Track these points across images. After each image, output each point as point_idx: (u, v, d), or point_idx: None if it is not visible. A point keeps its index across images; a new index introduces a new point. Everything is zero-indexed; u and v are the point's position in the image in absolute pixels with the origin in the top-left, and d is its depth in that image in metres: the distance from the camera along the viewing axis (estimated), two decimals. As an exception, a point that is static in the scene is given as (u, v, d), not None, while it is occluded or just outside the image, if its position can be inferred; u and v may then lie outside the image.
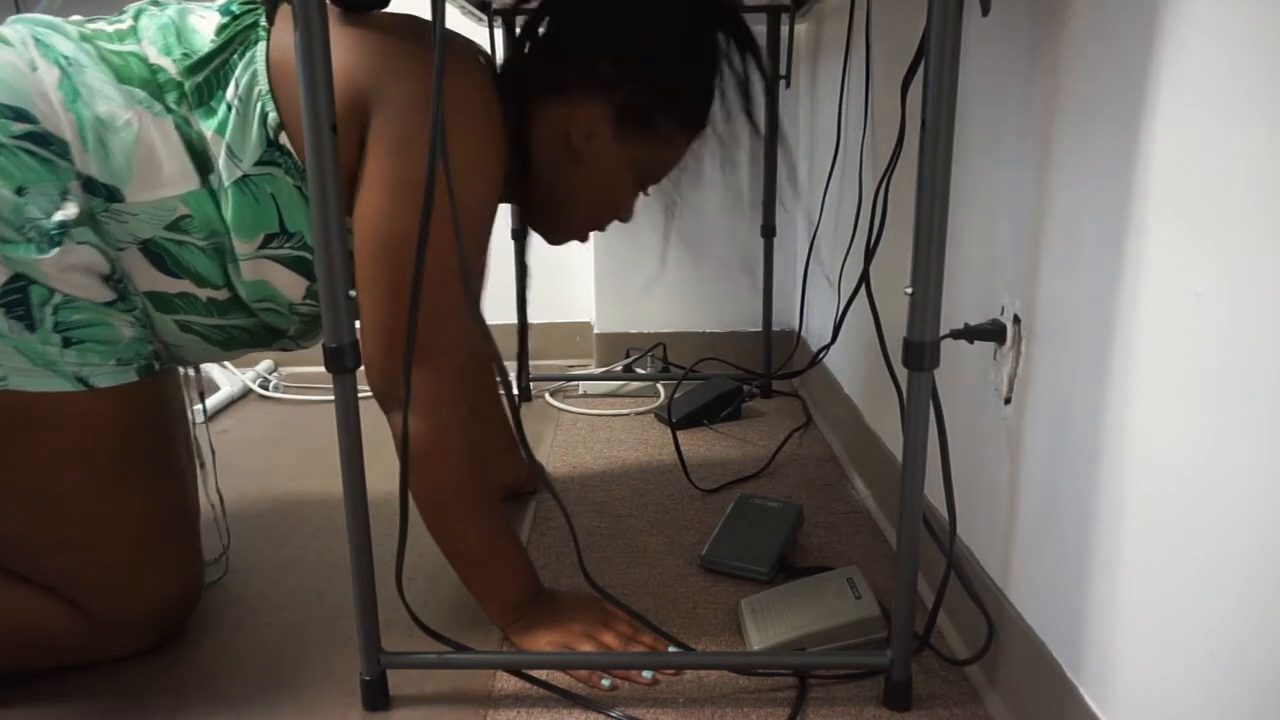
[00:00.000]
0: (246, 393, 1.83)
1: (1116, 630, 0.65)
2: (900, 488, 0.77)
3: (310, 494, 1.33)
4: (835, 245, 1.55)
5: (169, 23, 0.86)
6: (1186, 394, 0.56)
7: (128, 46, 0.85)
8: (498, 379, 0.85)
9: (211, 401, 1.71)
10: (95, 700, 0.87)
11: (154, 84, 0.84)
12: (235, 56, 0.85)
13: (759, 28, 1.51)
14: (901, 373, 0.76)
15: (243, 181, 0.85)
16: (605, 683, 0.87)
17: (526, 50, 0.98)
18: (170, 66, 0.84)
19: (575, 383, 1.83)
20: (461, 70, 0.85)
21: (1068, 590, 0.71)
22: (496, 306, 1.34)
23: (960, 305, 0.93)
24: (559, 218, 1.04)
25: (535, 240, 1.18)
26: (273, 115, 0.84)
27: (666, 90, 0.94)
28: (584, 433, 1.59)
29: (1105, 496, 0.66)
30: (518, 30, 1.02)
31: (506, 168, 0.91)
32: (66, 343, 0.82)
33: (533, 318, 1.46)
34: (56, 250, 0.80)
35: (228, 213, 0.86)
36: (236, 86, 0.84)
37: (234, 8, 0.87)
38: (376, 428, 0.88)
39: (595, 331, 1.97)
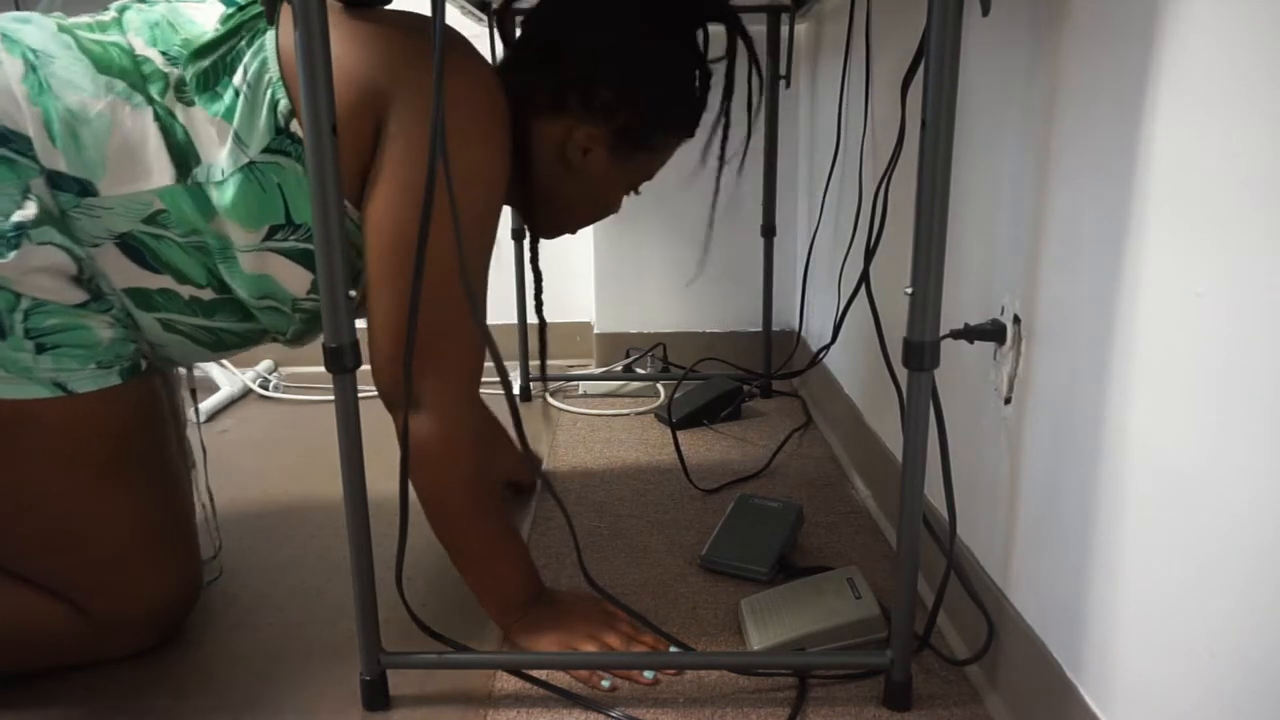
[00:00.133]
0: (246, 393, 1.83)
1: (1116, 630, 0.65)
2: (900, 488, 0.77)
3: (310, 494, 1.33)
4: (835, 245, 1.55)
5: (160, 19, 0.85)
6: (1186, 394, 0.56)
7: (110, 37, 0.84)
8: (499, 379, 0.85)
9: (211, 401, 1.71)
10: (95, 700, 0.87)
11: (137, 74, 0.82)
12: (243, 43, 0.83)
13: (759, 28, 1.52)
14: (901, 373, 0.76)
15: (249, 169, 0.84)
16: (605, 683, 0.87)
17: (525, 56, 0.98)
18: (157, 58, 0.83)
19: (575, 383, 1.83)
20: (474, 69, 0.85)
21: (1068, 590, 0.71)
22: (497, 306, 1.34)
23: (960, 305, 0.93)
24: (552, 217, 1.06)
25: (540, 242, 1.19)
26: (284, 102, 0.82)
27: (664, 115, 0.97)
28: (584, 433, 1.59)
29: (1105, 496, 0.66)
30: (518, 31, 1.02)
31: (509, 169, 0.91)
32: (40, 349, 0.80)
33: (533, 317, 1.47)
34: (14, 253, 0.78)
35: (228, 202, 0.84)
36: (245, 73, 0.83)
37: None
38: (376, 428, 0.88)
39: (595, 331, 1.97)
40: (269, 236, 0.88)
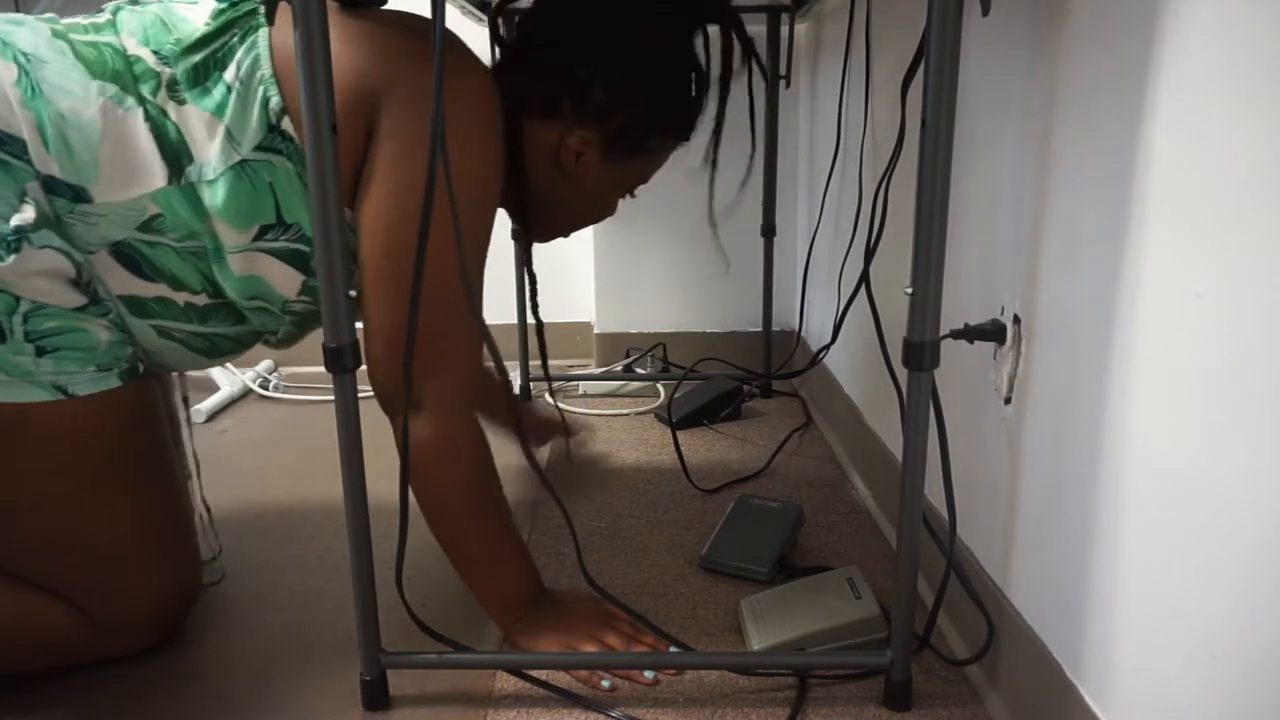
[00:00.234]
0: (246, 393, 1.83)
1: (1116, 630, 0.65)
2: (900, 488, 0.77)
3: (310, 494, 1.33)
4: (835, 245, 1.55)
5: (154, 19, 0.85)
6: (1186, 394, 0.56)
7: (104, 37, 0.83)
8: (499, 379, 0.85)
9: (211, 401, 1.71)
10: (95, 700, 0.87)
11: (127, 75, 0.82)
12: (235, 40, 0.83)
13: (759, 28, 1.52)
14: (901, 373, 0.76)
15: (240, 167, 0.83)
16: (605, 683, 0.87)
17: (519, 57, 0.97)
18: (149, 57, 0.82)
19: (575, 383, 1.83)
20: (468, 70, 0.85)
21: (1068, 590, 0.71)
22: (497, 306, 1.34)
23: (960, 305, 0.93)
24: (545, 221, 1.05)
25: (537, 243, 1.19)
26: (275, 99, 0.82)
27: (659, 118, 0.96)
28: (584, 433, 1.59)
29: (1105, 496, 0.66)
30: (512, 29, 1.02)
31: (503, 170, 0.91)
32: (40, 352, 0.80)
33: (532, 318, 1.47)
34: (14, 257, 0.78)
35: (219, 201, 0.84)
36: (238, 69, 0.82)
37: None
38: (376, 428, 0.87)
39: (595, 331, 1.97)
40: (259, 236, 0.87)
